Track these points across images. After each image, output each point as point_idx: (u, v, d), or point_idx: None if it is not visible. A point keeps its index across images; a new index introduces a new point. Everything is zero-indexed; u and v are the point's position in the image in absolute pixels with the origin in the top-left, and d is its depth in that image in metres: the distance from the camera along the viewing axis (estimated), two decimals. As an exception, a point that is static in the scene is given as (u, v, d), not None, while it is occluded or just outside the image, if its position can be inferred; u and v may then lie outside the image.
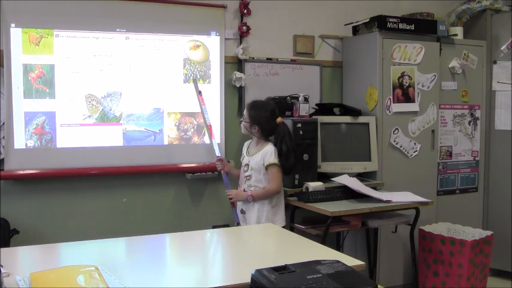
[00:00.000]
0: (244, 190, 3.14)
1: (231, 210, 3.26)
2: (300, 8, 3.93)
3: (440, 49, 3.96)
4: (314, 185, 3.25)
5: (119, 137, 3.39)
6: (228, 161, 3.47)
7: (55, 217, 3.31)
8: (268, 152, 3.06)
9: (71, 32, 3.24)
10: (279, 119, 3.14)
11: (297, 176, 3.36)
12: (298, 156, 3.26)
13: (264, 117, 3.09)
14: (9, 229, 3.10)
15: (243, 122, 3.18)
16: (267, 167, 3.05)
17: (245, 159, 3.18)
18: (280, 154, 3.06)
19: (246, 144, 3.31)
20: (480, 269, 3.59)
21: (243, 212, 3.15)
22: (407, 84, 3.81)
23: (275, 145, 3.10)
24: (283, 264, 1.51)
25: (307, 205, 3.13)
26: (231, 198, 3.18)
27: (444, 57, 3.99)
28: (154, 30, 3.44)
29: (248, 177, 3.13)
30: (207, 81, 3.58)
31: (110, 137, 3.37)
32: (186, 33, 3.53)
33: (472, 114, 4.18)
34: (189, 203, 3.65)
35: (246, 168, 3.16)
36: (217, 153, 3.35)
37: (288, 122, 3.34)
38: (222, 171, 3.33)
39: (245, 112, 3.17)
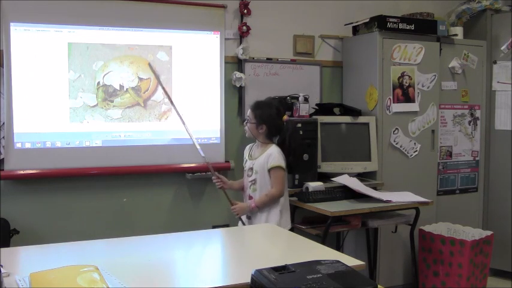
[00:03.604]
0: (249, 196, 3.06)
1: (233, 213, 3.15)
2: (300, 8, 3.93)
3: (440, 49, 3.96)
4: (314, 185, 3.25)
5: (119, 137, 3.40)
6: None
7: (55, 217, 3.31)
8: (272, 154, 2.97)
9: (71, 29, 3.25)
10: (285, 117, 3.10)
11: (297, 176, 3.36)
12: (298, 156, 3.25)
13: (270, 115, 3.02)
14: (9, 229, 3.10)
15: (248, 124, 3.07)
16: (270, 170, 2.96)
17: (248, 163, 3.09)
18: (289, 152, 3.03)
19: (247, 148, 3.21)
20: (480, 269, 3.59)
21: (248, 217, 3.07)
22: (407, 84, 3.81)
23: (282, 143, 3.05)
24: (283, 264, 1.51)
25: (307, 205, 3.13)
26: (237, 214, 3.06)
27: (444, 57, 3.99)
28: (154, 30, 3.45)
29: (253, 182, 3.04)
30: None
31: (110, 137, 3.38)
32: (186, 33, 3.54)
33: (472, 114, 4.18)
34: (189, 203, 3.65)
35: (250, 173, 3.06)
36: (202, 154, 3.17)
37: (288, 122, 3.35)
38: (223, 189, 3.17)
39: (249, 113, 3.07)
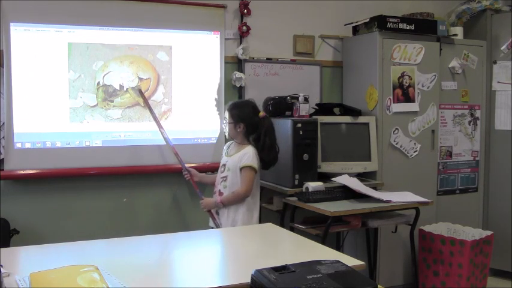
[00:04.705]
0: (220, 191, 3.07)
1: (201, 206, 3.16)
2: (300, 8, 3.93)
3: (440, 49, 3.96)
4: (314, 185, 3.25)
5: (119, 137, 3.40)
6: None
7: (55, 217, 3.31)
8: (246, 154, 2.99)
9: (71, 29, 3.25)
10: (261, 113, 3.10)
11: (297, 176, 3.36)
12: (298, 156, 3.26)
13: (246, 113, 3.06)
14: (9, 229, 3.10)
15: (226, 125, 3.11)
16: (241, 169, 2.98)
17: (223, 159, 3.13)
18: (263, 148, 3.03)
19: (226, 145, 3.24)
20: (480, 269, 3.59)
21: (217, 213, 3.09)
22: (407, 84, 3.82)
23: (258, 138, 3.06)
24: (283, 264, 1.51)
25: (307, 205, 3.13)
26: (203, 208, 3.10)
27: (444, 57, 3.99)
28: (154, 30, 3.45)
29: (224, 178, 3.06)
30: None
31: (110, 137, 3.38)
32: (186, 33, 3.54)
33: (472, 114, 4.18)
34: (189, 203, 3.65)
35: (222, 169, 3.09)
36: (171, 144, 3.36)
37: (288, 122, 3.35)
38: (191, 181, 3.29)
39: (226, 114, 3.11)
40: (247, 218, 3.00)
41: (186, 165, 3.39)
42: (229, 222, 3.01)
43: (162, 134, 3.37)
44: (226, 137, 3.20)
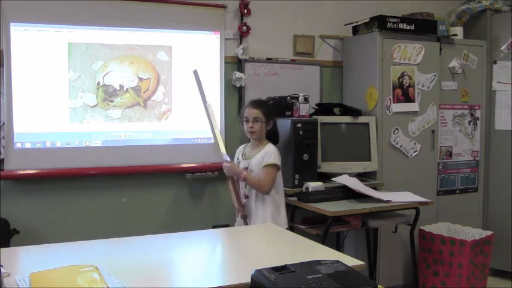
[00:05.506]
0: (245, 195, 3.04)
1: (235, 213, 3.14)
2: (300, 8, 3.93)
3: (440, 49, 3.96)
4: (314, 185, 3.25)
5: (120, 137, 3.40)
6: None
7: (55, 217, 3.31)
8: (268, 152, 2.97)
9: (71, 29, 3.25)
10: None
11: (297, 176, 3.36)
12: (298, 155, 3.30)
13: (274, 110, 3.10)
14: (9, 229, 3.10)
15: (258, 124, 2.96)
16: (264, 167, 2.94)
17: (242, 164, 3.06)
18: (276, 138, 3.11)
19: (239, 149, 3.18)
20: (480, 269, 3.59)
21: (244, 217, 3.06)
22: (407, 84, 3.82)
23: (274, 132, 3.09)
24: (283, 264, 1.51)
25: (307, 205, 3.13)
26: (226, 172, 3.02)
27: (444, 57, 3.99)
28: (154, 30, 3.45)
29: None
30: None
31: (110, 137, 3.38)
32: (186, 33, 3.54)
33: (472, 114, 4.18)
34: (189, 203, 3.65)
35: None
36: (227, 158, 3.09)
37: (288, 122, 3.35)
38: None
39: (257, 113, 2.96)
40: (275, 214, 3.00)
41: (185, 165, 3.39)
42: (258, 218, 2.99)
43: (221, 148, 3.13)
44: (252, 138, 3.05)
